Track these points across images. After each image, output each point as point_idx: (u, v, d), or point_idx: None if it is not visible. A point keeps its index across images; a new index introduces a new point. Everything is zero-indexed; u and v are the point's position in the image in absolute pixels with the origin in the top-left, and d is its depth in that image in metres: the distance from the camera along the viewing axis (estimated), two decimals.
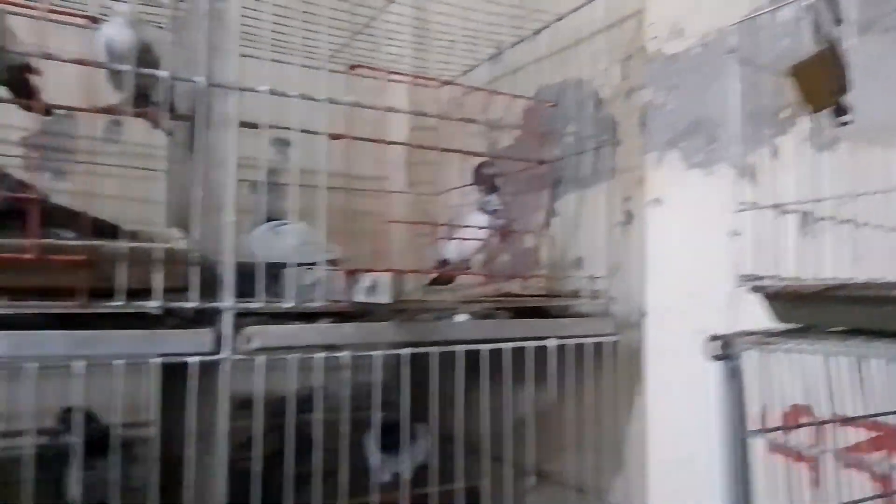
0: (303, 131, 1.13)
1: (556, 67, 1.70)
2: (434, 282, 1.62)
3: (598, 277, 1.48)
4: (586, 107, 1.58)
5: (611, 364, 1.41)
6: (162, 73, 1.02)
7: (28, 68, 1.28)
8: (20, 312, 0.92)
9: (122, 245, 0.99)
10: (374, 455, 1.49)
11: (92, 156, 1.90)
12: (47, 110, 1.32)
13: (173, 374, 1.02)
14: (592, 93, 1.59)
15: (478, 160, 1.60)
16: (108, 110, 1.24)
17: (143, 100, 1.22)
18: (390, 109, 1.24)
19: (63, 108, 1.26)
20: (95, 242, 0.97)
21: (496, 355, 1.27)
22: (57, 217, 1.01)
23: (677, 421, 1.38)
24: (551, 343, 1.33)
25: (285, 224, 1.43)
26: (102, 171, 1.73)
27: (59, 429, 1.24)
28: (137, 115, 1.27)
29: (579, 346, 1.36)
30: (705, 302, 1.32)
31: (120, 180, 1.94)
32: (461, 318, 1.34)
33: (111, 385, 0.97)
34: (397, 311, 1.21)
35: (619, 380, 1.42)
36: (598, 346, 1.39)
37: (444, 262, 1.54)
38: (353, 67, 1.21)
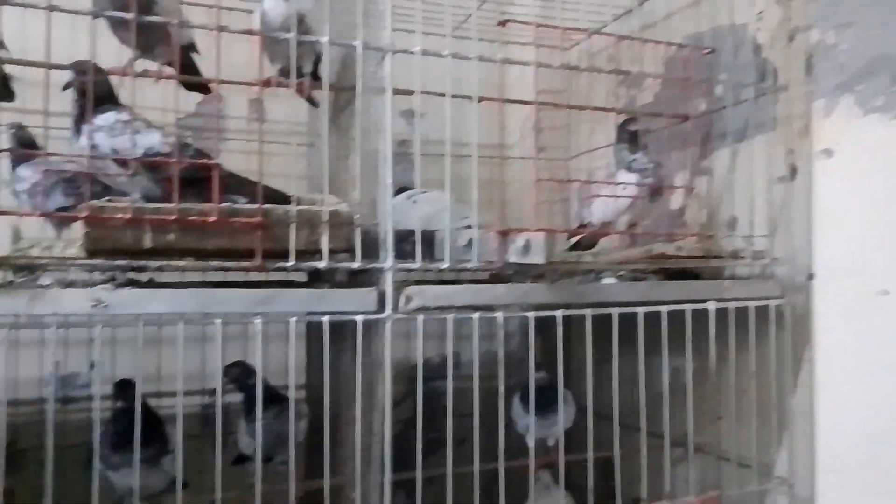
0: (454, 96, 1.12)
1: (704, 15, 1.59)
2: (575, 246, 1.58)
3: (758, 237, 1.38)
4: (742, 54, 1.47)
5: (775, 329, 1.32)
6: (322, 39, 1.04)
7: (193, 47, 1.37)
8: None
9: (293, 208, 1.03)
10: (521, 419, 1.49)
11: (237, 134, 2.02)
12: (208, 87, 1.41)
13: (320, 335, 1.05)
14: (749, 38, 1.47)
15: (622, 119, 1.53)
16: (266, 83, 1.29)
17: (297, 72, 1.27)
18: (541, 65, 1.21)
19: (227, 82, 1.32)
20: (269, 206, 1.02)
21: (637, 320, 1.21)
22: (231, 184, 1.06)
23: (850, 391, 1.27)
24: (711, 306, 1.25)
25: (420, 192, 1.45)
26: (247, 147, 1.82)
27: (225, 384, 1.32)
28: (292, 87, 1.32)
29: (741, 310, 1.28)
30: (885, 261, 1.20)
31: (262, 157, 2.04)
32: (610, 280, 1.30)
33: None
34: (550, 271, 1.18)
35: (785, 346, 1.33)
36: (761, 309, 1.30)
37: (582, 226, 1.50)
38: (501, 23, 1.18)
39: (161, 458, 1.21)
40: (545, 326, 1.19)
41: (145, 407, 1.13)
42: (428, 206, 1.33)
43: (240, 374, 1.30)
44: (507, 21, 1.20)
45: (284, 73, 1.36)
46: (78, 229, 1.04)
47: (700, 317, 1.25)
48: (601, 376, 1.30)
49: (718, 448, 1.49)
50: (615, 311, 1.19)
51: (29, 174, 1.33)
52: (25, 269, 1.00)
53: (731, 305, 1.27)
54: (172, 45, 1.21)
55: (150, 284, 1.00)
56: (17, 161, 1.33)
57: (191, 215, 0.97)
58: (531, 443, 1.46)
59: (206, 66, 1.42)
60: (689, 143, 1.63)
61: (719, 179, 1.54)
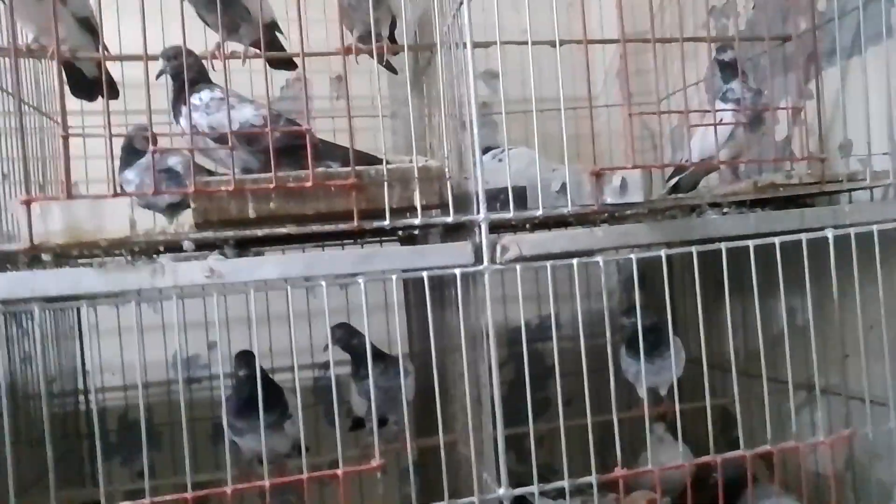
0: (534, 43, 1.09)
1: None
2: (674, 189, 1.52)
3: (876, 156, 1.27)
4: None
5: None
6: None
7: (276, 26, 1.40)
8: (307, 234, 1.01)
9: (384, 167, 1.04)
10: (630, 367, 1.45)
11: (321, 113, 2.07)
12: (293, 63, 1.44)
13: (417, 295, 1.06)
14: None
15: (712, 52, 1.44)
16: (348, 50, 1.31)
17: (375, 37, 1.28)
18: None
19: (311, 54, 1.34)
20: (362, 167, 1.03)
21: (747, 255, 1.13)
22: (323, 150, 1.09)
23: None
24: (830, 233, 1.17)
25: (506, 150, 1.43)
26: (332, 126, 1.86)
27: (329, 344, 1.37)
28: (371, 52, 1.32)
29: (863, 236, 1.18)
30: None
31: (344, 134, 2.08)
32: (714, 215, 1.24)
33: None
34: (650, 210, 1.14)
35: None
36: (885, 234, 1.19)
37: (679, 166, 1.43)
38: None
39: (283, 423, 1.27)
40: (644, 275, 1.15)
41: (264, 374, 1.19)
42: (515, 162, 1.31)
43: (344, 335, 1.34)
44: None
45: (363, 40, 1.38)
46: (187, 217, 1.11)
47: (817, 247, 1.17)
48: (708, 323, 1.24)
49: (847, 388, 1.40)
50: (723, 246, 1.12)
51: (133, 177, 1.41)
52: (142, 253, 1.07)
53: (852, 231, 1.18)
54: (255, 24, 1.25)
55: (257, 252, 1.04)
56: (124, 165, 1.42)
57: (288, 182, 1.00)
58: (643, 392, 1.42)
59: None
60: (791, 67, 1.51)
61: (828, 101, 1.42)
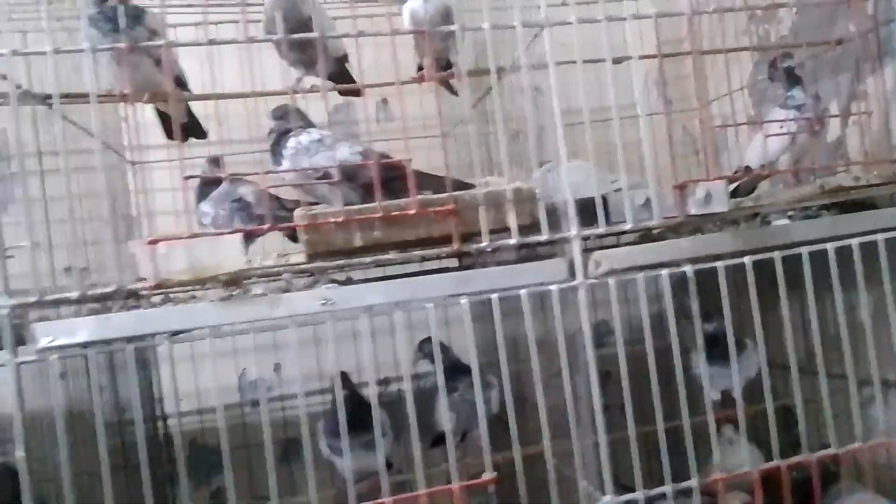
0: (615, 61, 1.14)
1: None
2: (734, 193, 1.55)
3: None
4: None
5: None
6: (483, 26, 1.09)
7: (346, 58, 1.45)
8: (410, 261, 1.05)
9: (479, 191, 1.09)
10: (702, 370, 1.48)
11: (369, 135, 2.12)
12: (360, 92, 1.49)
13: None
14: None
15: (768, 57, 1.48)
16: (419, 79, 1.36)
17: (446, 63, 1.33)
18: (662, 15, 1.20)
19: (376, 85, 1.39)
20: (457, 192, 1.08)
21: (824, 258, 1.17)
22: (419, 181, 1.13)
23: None
24: None
25: (553, 165, 1.47)
26: (385, 147, 1.91)
27: (419, 358, 1.41)
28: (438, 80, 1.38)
29: None
30: None
31: (397, 154, 2.14)
32: (781, 220, 1.28)
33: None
34: (730, 221, 1.18)
35: None
36: None
37: (748, 169, 1.47)
38: None
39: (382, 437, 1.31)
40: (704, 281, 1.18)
41: (360, 396, 1.23)
42: (574, 175, 1.35)
43: (432, 350, 1.37)
44: None
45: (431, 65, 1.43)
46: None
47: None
48: (767, 324, 1.26)
49: None
50: (805, 251, 1.16)
51: (208, 209, 1.46)
52: (232, 283, 1.11)
53: None
54: (330, 59, 1.30)
55: (361, 280, 1.09)
56: (200, 198, 1.47)
57: (392, 210, 1.05)
58: (714, 395, 1.45)
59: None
60: (841, 70, 1.55)
61: (885, 101, 1.46)
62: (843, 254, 1.18)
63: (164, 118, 1.45)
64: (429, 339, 1.39)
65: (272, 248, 1.41)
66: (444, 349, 1.38)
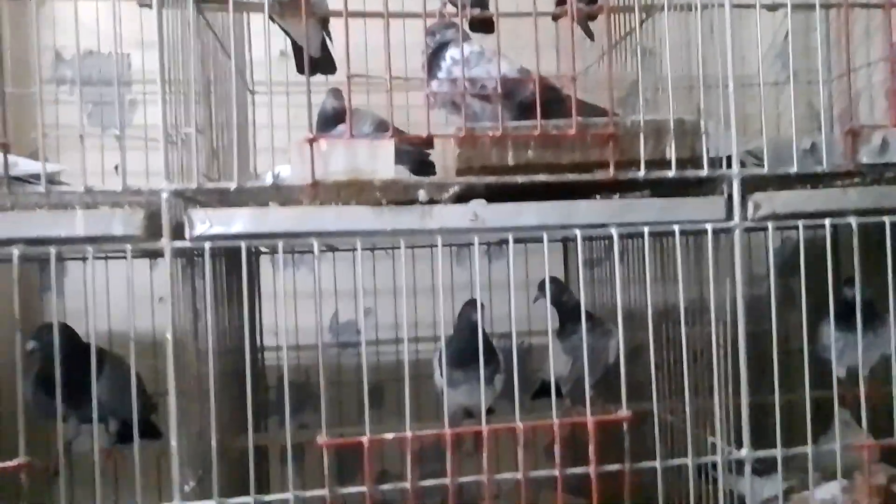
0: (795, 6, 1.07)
1: None
2: None
3: None
4: None
5: None
6: None
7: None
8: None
9: (641, 118, 1.04)
10: (838, 342, 1.40)
11: None
12: (491, 27, 1.44)
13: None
14: None
15: None
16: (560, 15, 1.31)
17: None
18: None
19: (511, 14, 1.32)
20: (618, 118, 1.03)
21: None
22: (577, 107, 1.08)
23: None
24: None
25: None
26: None
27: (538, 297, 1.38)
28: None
29: None
30: None
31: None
32: None
33: None
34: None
35: None
36: None
37: None
38: None
39: (494, 377, 1.29)
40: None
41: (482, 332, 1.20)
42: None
43: (555, 289, 1.34)
44: None
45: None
46: None
47: None
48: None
49: None
50: None
51: None
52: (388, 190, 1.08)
53: None
54: None
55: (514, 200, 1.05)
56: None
57: (551, 130, 1.01)
58: (841, 372, 1.36)
59: None
60: None
61: None
62: None
63: (298, 50, 1.43)
64: (553, 279, 1.34)
65: None
66: (566, 290, 1.34)
